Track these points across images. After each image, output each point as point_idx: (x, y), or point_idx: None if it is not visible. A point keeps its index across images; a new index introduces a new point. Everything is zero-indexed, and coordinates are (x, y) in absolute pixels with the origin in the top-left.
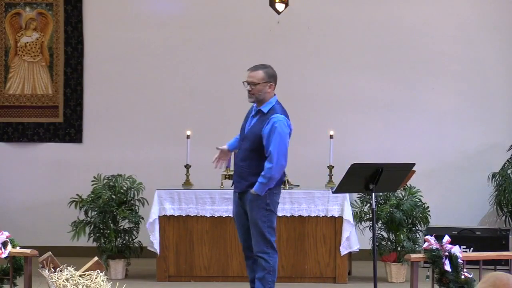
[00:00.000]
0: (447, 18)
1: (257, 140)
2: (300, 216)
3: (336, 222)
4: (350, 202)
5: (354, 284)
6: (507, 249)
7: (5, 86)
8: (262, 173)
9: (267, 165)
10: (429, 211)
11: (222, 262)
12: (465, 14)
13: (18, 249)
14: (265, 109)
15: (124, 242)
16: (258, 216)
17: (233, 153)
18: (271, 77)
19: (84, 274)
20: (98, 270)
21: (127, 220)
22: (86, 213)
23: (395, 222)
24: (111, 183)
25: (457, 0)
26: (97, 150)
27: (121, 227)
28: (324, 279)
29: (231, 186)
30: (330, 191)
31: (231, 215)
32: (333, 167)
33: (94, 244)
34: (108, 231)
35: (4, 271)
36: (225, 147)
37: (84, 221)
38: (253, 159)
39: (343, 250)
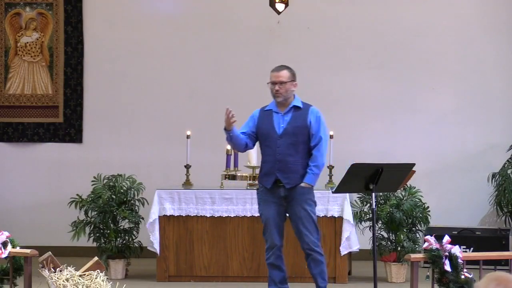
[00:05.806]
0: (447, 18)
1: (303, 133)
2: None
3: (336, 222)
4: (350, 202)
5: (354, 284)
6: (507, 249)
7: (5, 86)
8: (314, 163)
9: (316, 153)
10: (429, 211)
11: (222, 262)
12: (465, 14)
13: (18, 249)
14: (299, 104)
15: (124, 242)
16: (310, 208)
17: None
18: (295, 76)
19: (84, 274)
20: (98, 270)
21: (127, 220)
22: (86, 213)
23: (395, 222)
24: (111, 183)
25: (457, 0)
26: (97, 150)
27: (121, 227)
28: None
29: (263, 184)
30: (330, 191)
31: (231, 215)
32: (333, 167)
33: (94, 244)
34: (108, 231)
35: (4, 271)
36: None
37: (84, 221)
38: (300, 151)
39: (343, 250)
